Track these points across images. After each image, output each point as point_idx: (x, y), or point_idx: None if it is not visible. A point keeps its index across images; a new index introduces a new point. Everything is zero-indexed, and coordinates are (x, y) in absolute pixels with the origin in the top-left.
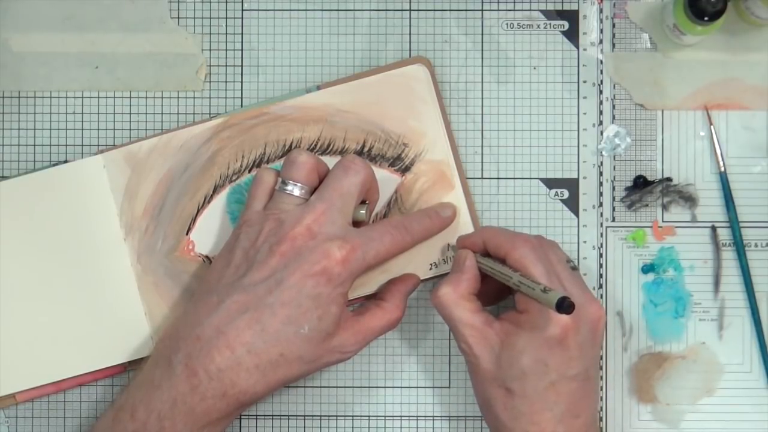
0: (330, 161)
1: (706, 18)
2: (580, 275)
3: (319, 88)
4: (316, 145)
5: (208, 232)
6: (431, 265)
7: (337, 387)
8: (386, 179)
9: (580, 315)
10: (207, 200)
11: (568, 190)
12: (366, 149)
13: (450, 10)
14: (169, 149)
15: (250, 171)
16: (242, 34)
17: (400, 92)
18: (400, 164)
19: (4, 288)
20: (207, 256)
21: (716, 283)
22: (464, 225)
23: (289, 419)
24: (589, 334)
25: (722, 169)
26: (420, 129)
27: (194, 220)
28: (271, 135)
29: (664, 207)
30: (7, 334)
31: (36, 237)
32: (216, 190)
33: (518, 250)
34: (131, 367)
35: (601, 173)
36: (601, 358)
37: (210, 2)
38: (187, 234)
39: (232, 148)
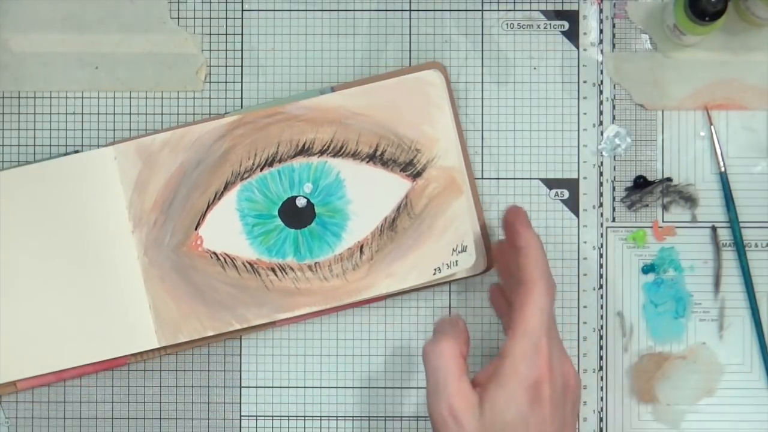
0: (342, 163)
1: (706, 18)
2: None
3: (333, 89)
4: (329, 147)
5: (217, 228)
6: (435, 269)
7: (337, 387)
8: (397, 184)
9: (554, 367)
10: (217, 197)
11: (568, 190)
12: (378, 153)
13: (450, 10)
14: (182, 144)
15: (261, 169)
16: (242, 34)
17: (414, 97)
18: (411, 170)
19: (9, 276)
20: (215, 252)
21: (716, 283)
22: (472, 231)
23: (289, 419)
24: (561, 393)
25: (722, 169)
26: (433, 135)
27: (204, 215)
28: (284, 134)
29: (665, 207)
30: (11, 322)
31: (43, 226)
32: (227, 186)
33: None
34: (133, 359)
35: (601, 173)
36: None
37: (210, 2)
38: (195, 229)
39: (244, 146)
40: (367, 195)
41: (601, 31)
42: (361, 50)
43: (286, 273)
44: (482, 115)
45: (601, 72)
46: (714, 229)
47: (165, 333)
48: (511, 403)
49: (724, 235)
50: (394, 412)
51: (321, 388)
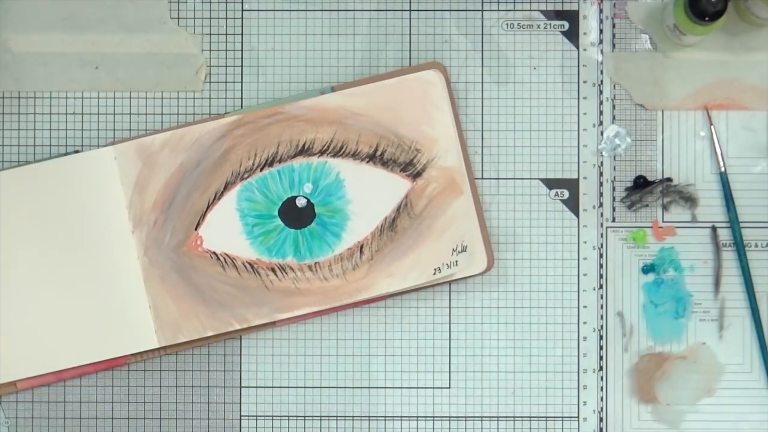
0: (342, 163)
1: (706, 18)
2: None
3: (333, 89)
4: (329, 147)
5: (217, 228)
6: (435, 269)
7: (337, 387)
8: (397, 184)
9: None
10: (217, 197)
11: (569, 190)
12: (378, 153)
13: (450, 10)
14: (182, 144)
15: (261, 169)
16: (242, 34)
17: (414, 97)
18: (411, 170)
19: (9, 276)
20: (215, 252)
21: (716, 283)
22: (472, 231)
23: (289, 419)
24: None
25: (722, 169)
26: (433, 135)
27: (204, 215)
28: (284, 134)
29: (665, 207)
30: (11, 322)
31: (43, 226)
32: (227, 187)
33: None
34: (133, 359)
35: (601, 173)
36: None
37: (210, 2)
38: (195, 229)
39: (245, 146)
40: (367, 195)
41: (601, 31)
42: (361, 50)
43: (286, 273)
44: (482, 115)
45: (601, 72)
46: (714, 229)
47: (165, 333)
48: None
49: (724, 235)
50: (394, 412)
51: (321, 388)
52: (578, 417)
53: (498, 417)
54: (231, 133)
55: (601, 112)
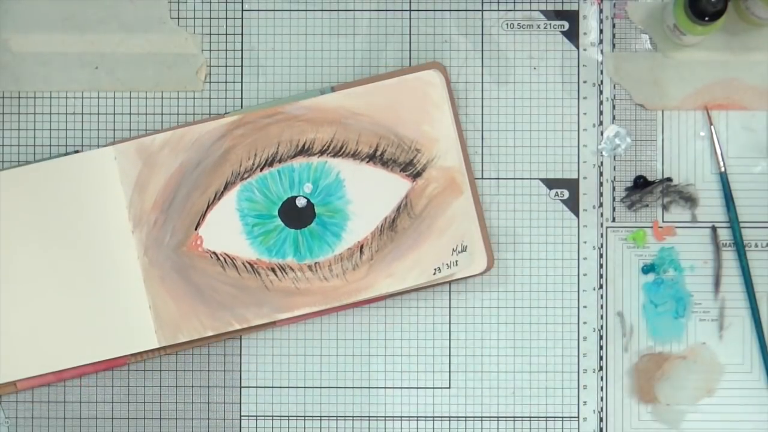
0: (342, 163)
1: (706, 18)
2: None
3: (333, 89)
4: (329, 147)
5: (217, 228)
6: (435, 269)
7: (337, 387)
8: (397, 184)
9: None
10: (217, 197)
11: (569, 190)
12: (378, 153)
13: (450, 10)
14: (182, 144)
15: (261, 169)
16: (242, 34)
17: (414, 97)
18: (411, 169)
19: (9, 276)
20: (215, 252)
21: (716, 283)
22: (472, 231)
23: (289, 419)
24: None
25: (722, 169)
26: (433, 135)
27: (204, 215)
28: (284, 134)
29: (665, 207)
30: (11, 322)
31: (43, 226)
32: (227, 187)
33: None
34: (133, 359)
35: (601, 173)
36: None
37: (210, 2)
38: (195, 229)
39: (245, 146)
40: (367, 195)
41: (601, 31)
42: (361, 50)
43: (286, 273)
44: (482, 115)
45: (601, 72)
46: (714, 229)
47: (165, 333)
48: None
49: (724, 235)
50: (394, 412)
51: (321, 388)
52: (578, 417)
53: (498, 417)
54: (231, 133)
55: (601, 112)
